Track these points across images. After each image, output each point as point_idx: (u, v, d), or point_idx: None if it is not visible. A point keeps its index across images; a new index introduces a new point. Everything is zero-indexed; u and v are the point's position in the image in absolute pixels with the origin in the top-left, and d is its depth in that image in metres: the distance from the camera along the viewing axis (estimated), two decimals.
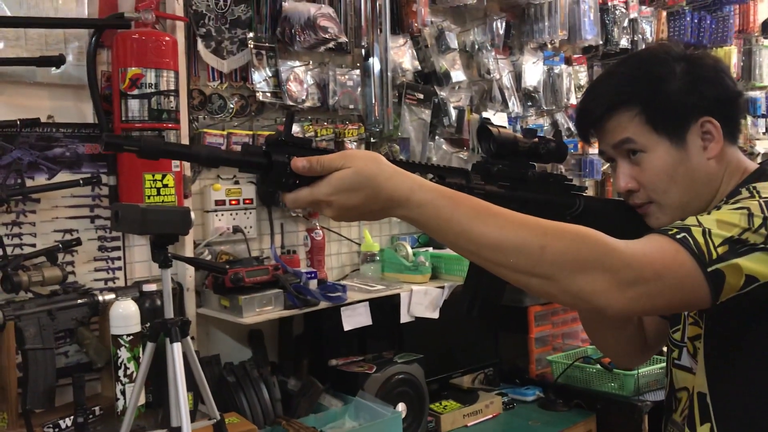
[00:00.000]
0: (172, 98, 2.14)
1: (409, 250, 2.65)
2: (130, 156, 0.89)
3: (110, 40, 2.13)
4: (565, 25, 3.35)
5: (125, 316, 1.93)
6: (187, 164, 2.22)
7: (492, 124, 1.16)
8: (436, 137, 3.00)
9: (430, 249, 2.79)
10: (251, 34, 2.46)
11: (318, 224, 2.62)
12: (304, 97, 2.56)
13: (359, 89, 2.70)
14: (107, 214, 2.16)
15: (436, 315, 2.53)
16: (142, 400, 1.94)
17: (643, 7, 3.85)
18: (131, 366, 1.92)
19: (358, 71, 2.71)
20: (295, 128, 2.51)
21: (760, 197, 1.02)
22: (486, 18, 3.21)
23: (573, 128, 3.42)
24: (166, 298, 1.73)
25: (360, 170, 0.91)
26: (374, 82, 2.73)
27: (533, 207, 1.12)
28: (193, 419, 1.86)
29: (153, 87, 2.09)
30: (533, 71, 3.36)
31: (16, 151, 2.01)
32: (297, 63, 2.57)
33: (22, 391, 1.85)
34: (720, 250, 0.96)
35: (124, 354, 1.92)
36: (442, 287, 2.57)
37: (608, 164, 1.36)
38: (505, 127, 1.19)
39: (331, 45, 2.55)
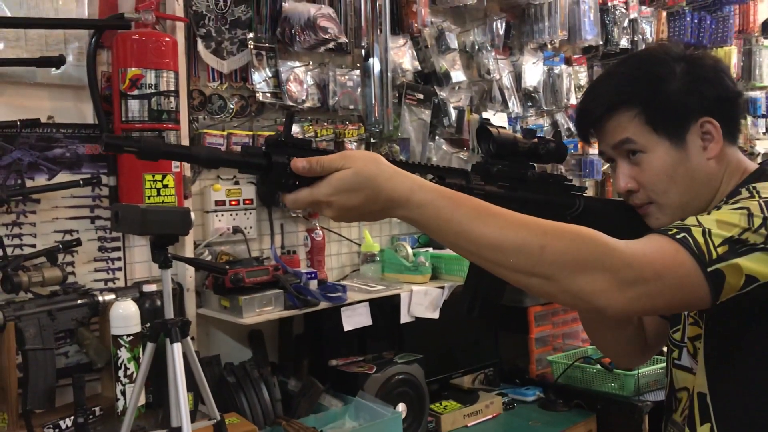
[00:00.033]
0: (172, 99, 2.14)
1: (409, 251, 2.65)
2: (130, 157, 0.89)
3: (110, 41, 2.13)
4: (565, 26, 3.35)
5: (125, 316, 1.93)
6: (187, 165, 2.22)
7: (492, 125, 1.16)
8: (436, 137, 3.00)
9: (430, 249, 2.79)
10: (251, 35, 2.46)
11: (318, 224, 2.62)
12: (304, 98, 2.56)
13: (359, 89, 2.70)
14: (107, 214, 2.16)
15: (436, 315, 2.53)
16: (142, 401, 1.94)
17: (643, 8, 3.85)
18: (131, 366, 1.92)
19: (358, 72, 2.71)
20: (295, 129, 2.51)
21: (760, 197, 1.02)
22: (486, 18, 3.21)
23: (573, 128, 3.42)
24: (166, 299, 1.73)
25: (360, 171, 0.91)
26: (374, 83, 2.73)
27: (533, 207, 1.12)
28: (193, 419, 1.86)
29: (153, 87, 2.10)
30: (533, 71, 3.36)
31: (17, 151, 2.01)
32: (297, 63, 2.57)
33: (22, 391, 1.85)
34: (720, 250, 0.96)
35: (124, 354, 1.92)
36: (442, 287, 2.57)
37: (608, 164, 1.36)
38: (504, 128, 1.19)
39: (331, 45, 2.55)
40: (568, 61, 3.55)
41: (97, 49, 2.10)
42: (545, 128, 3.42)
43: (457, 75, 3.02)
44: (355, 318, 2.34)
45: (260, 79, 2.47)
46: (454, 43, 2.99)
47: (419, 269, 2.61)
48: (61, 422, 1.89)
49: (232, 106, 2.46)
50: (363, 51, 2.75)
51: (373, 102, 2.73)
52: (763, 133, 4.75)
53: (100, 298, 2.01)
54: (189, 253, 2.27)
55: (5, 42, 2.00)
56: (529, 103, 3.37)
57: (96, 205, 2.17)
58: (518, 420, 2.67)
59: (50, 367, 1.88)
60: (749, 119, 4.62)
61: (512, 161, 1.16)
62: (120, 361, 1.92)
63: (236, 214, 2.45)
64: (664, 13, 4.01)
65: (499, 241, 0.92)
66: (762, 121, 4.73)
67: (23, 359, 1.86)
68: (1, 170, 1.99)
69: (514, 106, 3.26)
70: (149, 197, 2.10)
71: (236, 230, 2.44)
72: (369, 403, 2.23)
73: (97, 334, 2.05)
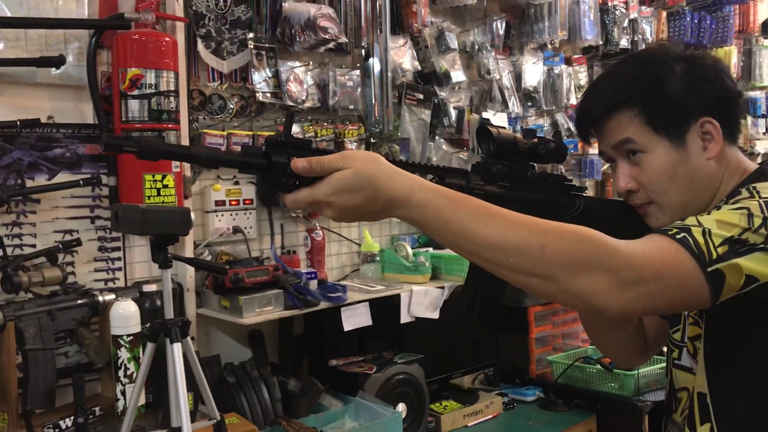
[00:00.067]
0: (172, 99, 2.14)
1: (409, 251, 2.65)
2: (130, 157, 0.89)
3: (110, 41, 2.13)
4: (565, 26, 3.35)
5: (125, 316, 1.93)
6: (187, 165, 2.22)
7: (492, 125, 1.16)
8: (436, 137, 3.00)
9: (430, 249, 2.79)
10: (251, 35, 2.46)
11: (318, 224, 2.62)
12: (304, 98, 2.56)
13: (359, 90, 2.70)
14: (107, 214, 2.16)
15: (436, 315, 2.53)
16: (142, 401, 1.94)
17: (643, 8, 3.85)
18: (131, 366, 1.92)
19: (358, 72, 2.71)
20: (295, 129, 2.51)
21: (759, 197, 1.02)
22: (486, 18, 3.21)
23: (573, 128, 3.42)
24: (166, 299, 1.73)
25: (360, 171, 0.91)
26: (374, 83, 2.73)
27: (533, 207, 1.12)
28: (193, 419, 1.86)
29: (153, 87, 2.10)
30: (533, 71, 3.36)
31: (17, 151, 2.01)
32: (297, 63, 2.57)
33: (22, 391, 1.85)
34: (720, 250, 0.96)
35: (124, 354, 1.92)
36: (442, 287, 2.57)
37: (608, 164, 1.36)
38: (504, 128, 1.19)
39: (331, 45, 2.55)
40: (568, 61, 3.55)
41: (97, 49, 2.10)
42: (545, 128, 3.42)
43: (457, 75, 3.02)
44: (355, 318, 2.34)
45: (260, 79, 2.47)
46: (454, 43, 2.99)
47: (419, 269, 2.61)
48: (61, 422, 1.89)
49: (232, 106, 2.46)
50: (363, 51, 2.75)
51: (373, 102, 2.73)
52: (763, 133, 4.75)
53: (100, 298, 2.01)
54: (189, 253, 2.27)
55: (5, 42, 2.00)
56: (529, 103, 3.37)
57: (96, 205, 2.17)
58: (518, 420, 2.67)
59: (50, 367, 1.89)
60: (749, 119, 4.62)
61: (512, 161, 1.16)
62: (120, 361, 1.92)
63: (236, 214, 2.45)
64: (664, 13, 4.01)
65: (499, 241, 0.92)
66: (762, 121, 4.73)
67: (23, 359, 1.86)
68: (1, 170, 1.99)
69: (514, 106, 3.26)
70: (149, 197, 2.10)
71: (236, 230, 2.44)
72: (369, 403, 2.23)
73: (97, 334, 2.05)
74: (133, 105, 2.09)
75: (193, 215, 1.80)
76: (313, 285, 2.34)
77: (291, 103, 2.52)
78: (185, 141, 2.26)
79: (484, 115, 3.15)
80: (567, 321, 3.06)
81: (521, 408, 2.77)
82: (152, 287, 2.05)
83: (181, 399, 1.65)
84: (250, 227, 2.48)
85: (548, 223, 0.94)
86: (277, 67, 2.50)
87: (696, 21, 4.09)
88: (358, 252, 2.81)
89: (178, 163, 2.14)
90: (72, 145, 2.11)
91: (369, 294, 2.43)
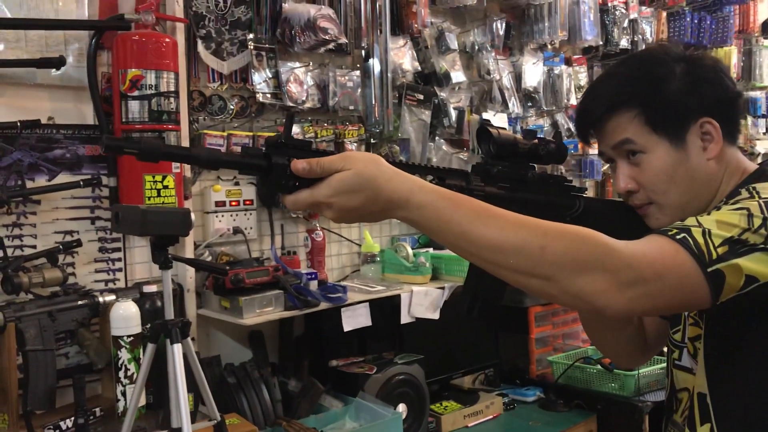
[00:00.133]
0: (172, 99, 2.14)
1: (410, 251, 2.65)
2: (131, 158, 0.89)
3: (110, 42, 2.13)
4: (565, 26, 3.35)
5: (126, 317, 1.93)
6: (187, 166, 2.22)
7: (492, 126, 1.16)
8: (436, 138, 3.00)
9: (431, 250, 2.79)
10: (251, 36, 2.47)
11: (318, 225, 2.62)
12: (304, 98, 2.56)
13: (359, 90, 2.70)
14: (107, 215, 2.16)
15: (436, 316, 2.53)
16: (142, 401, 1.93)
17: (643, 8, 3.85)
18: (132, 367, 1.92)
19: (358, 72, 2.71)
20: (295, 129, 2.51)
21: (759, 197, 1.02)
22: (486, 19, 3.21)
23: (573, 129, 3.42)
24: (166, 300, 1.74)
25: (360, 172, 0.91)
26: (374, 83, 2.73)
27: (533, 208, 1.12)
28: (193, 420, 1.86)
29: (153, 88, 2.10)
30: (533, 72, 3.36)
31: (17, 152, 2.01)
32: (297, 64, 2.57)
33: (22, 392, 1.85)
34: (720, 250, 0.96)
35: (124, 355, 1.92)
36: (443, 288, 2.57)
37: (608, 165, 1.36)
38: (504, 129, 1.19)
39: (331, 46, 2.55)
40: (568, 62, 3.55)
41: (97, 50, 2.11)
42: (545, 129, 3.42)
43: (457, 75, 3.02)
44: (355, 318, 2.34)
45: (260, 79, 2.47)
46: (454, 44, 2.99)
47: (419, 270, 2.61)
48: (61, 423, 1.89)
49: (232, 107, 2.46)
50: (363, 52, 2.75)
51: (373, 102, 2.73)
52: (763, 133, 4.75)
53: (101, 299, 2.01)
54: (189, 253, 2.27)
55: (5, 43, 2.01)
56: (529, 104, 3.37)
57: (96, 206, 2.18)
58: (518, 420, 2.66)
59: (51, 368, 1.89)
60: (749, 119, 4.62)
61: (512, 162, 1.16)
62: (120, 361, 1.92)
63: (236, 215, 2.45)
64: (664, 14, 4.01)
65: (499, 242, 0.92)
66: (762, 121, 4.73)
67: (24, 360, 1.86)
68: (2, 171, 1.99)
69: (514, 106, 3.26)
70: (149, 198, 2.10)
71: (236, 231, 2.44)
72: (369, 404, 2.23)
73: (97, 335, 2.05)
74: (134, 106, 2.09)
75: (193, 216, 1.80)
76: (314, 285, 2.34)
77: (291, 104, 2.52)
78: (185, 142, 2.26)
79: (484, 115, 3.15)
80: (567, 321, 3.06)
81: (521, 408, 2.77)
82: (152, 288, 2.05)
83: (182, 400, 1.65)
84: (251, 228, 2.48)
85: (548, 224, 0.94)
86: (277, 68, 2.51)
87: (696, 21, 4.09)
88: (358, 252, 2.81)
89: (178, 164, 2.14)
90: (72, 146, 2.12)
91: (369, 294, 2.43)
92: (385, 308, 2.46)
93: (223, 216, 2.42)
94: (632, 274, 0.92)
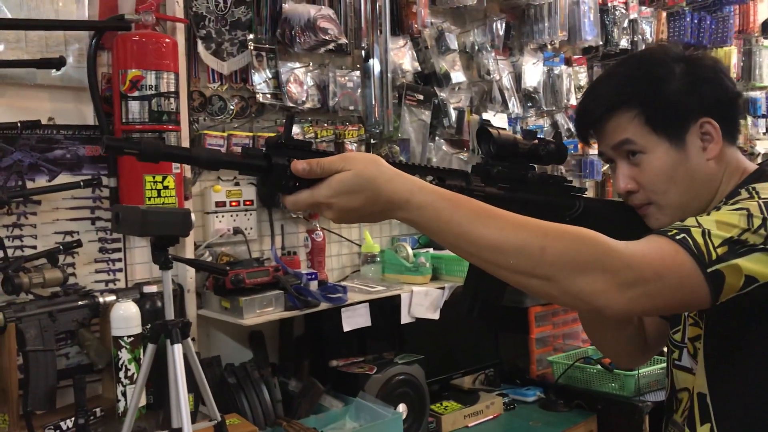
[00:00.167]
0: (172, 100, 2.14)
1: (410, 251, 2.65)
2: (131, 158, 0.89)
3: (110, 42, 2.13)
4: (565, 26, 3.35)
5: (126, 317, 1.93)
6: (187, 166, 2.23)
7: (492, 126, 1.16)
8: (436, 138, 3.01)
9: (431, 250, 2.79)
10: (251, 36, 2.47)
11: (318, 225, 2.62)
12: (304, 99, 2.56)
13: (359, 90, 2.71)
14: (108, 215, 2.16)
15: (436, 316, 2.53)
16: (143, 402, 1.93)
17: (643, 8, 3.85)
18: (132, 367, 1.92)
19: (358, 72, 2.71)
20: (296, 129, 2.51)
21: (759, 198, 1.02)
22: (486, 19, 3.21)
23: (573, 129, 3.42)
24: (166, 300, 1.74)
25: (360, 173, 0.91)
26: (374, 84, 2.73)
27: (533, 208, 1.12)
28: (193, 420, 1.87)
29: (153, 89, 2.10)
30: (533, 72, 3.36)
31: (17, 153, 2.01)
32: (297, 64, 2.57)
33: (23, 392, 1.85)
34: (719, 250, 0.96)
35: (124, 355, 1.92)
36: (443, 288, 2.57)
37: (608, 165, 1.37)
38: (504, 129, 1.19)
39: (331, 46, 2.55)
40: (568, 62, 3.55)
41: (97, 51, 2.11)
42: (545, 129, 3.42)
43: (457, 76, 3.02)
44: (354, 318, 2.35)
45: (260, 80, 2.47)
46: (454, 44, 2.99)
47: (420, 270, 2.61)
48: (62, 423, 1.89)
49: (232, 108, 2.46)
50: (363, 52, 2.75)
51: (373, 103, 2.73)
52: (763, 133, 4.75)
53: (101, 300, 2.02)
54: (189, 254, 2.27)
55: (6, 44, 2.01)
56: (529, 104, 3.37)
57: (96, 206, 2.18)
58: (519, 420, 2.67)
59: (51, 368, 1.89)
60: (749, 119, 4.62)
61: (512, 162, 1.16)
62: (121, 362, 1.92)
63: (236, 215, 2.45)
64: (664, 14, 4.02)
65: (499, 243, 0.92)
66: (762, 121, 4.73)
67: (24, 360, 1.86)
68: (2, 171, 1.99)
69: (514, 106, 3.26)
70: (150, 198, 2.10)
71: (237, 231, 2.44)
72: (369, 404, 2.23)
73: (97, 336, 2.05)
74: (134, 106, 2.09)
75: (193, 216, 1.80)
76: (314, 286, 2.34)
77: (291, 104, 2.52)
78: (185, 142, 2.26)
79: (484, 115, 3.15)
80: (567, 321, 3.06)
81: (522, 408, 2.77)
82: (153, 288, 2.06)
83: (182, 400, 1.65)
84: (251, 228, 2.49)
85: (548, 225, 0.94)
86: (277, 68, 2.51)
87: (696, 21, 4.09)
88: (358, 253, 2.81)
89: (178, 164, 2.14)
90: (72, 147, 2.12)
91: (369, 295, 2.43)
92: (386, 308, 2.47)
93: (223, 216, 2.42)
94: (632, 274, 0.92)
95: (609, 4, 3.60)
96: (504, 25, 3.23)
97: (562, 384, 2.82)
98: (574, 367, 2.81)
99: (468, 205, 0.94)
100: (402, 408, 2.35)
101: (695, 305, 1.04)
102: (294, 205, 0.95)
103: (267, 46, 2.49)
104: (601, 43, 3.54)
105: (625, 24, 3.66)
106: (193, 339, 2.06)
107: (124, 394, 1.92)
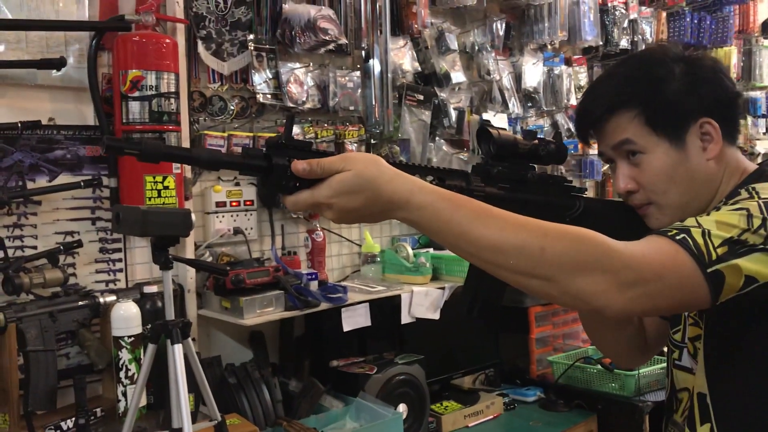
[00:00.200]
0: (172, 100, 2.14)
1: (410, 251, 2.65)
2: (131, 158, 0.89)
3: (111, 43, 2.13)
4: (565, 26, 3.35)
5: (126, 317, 1.93)
6: (187, 166, 2.23)
7: (492, 126, 1.16)
8: (437, 138, 3.01)
9: (431, 250, 2.79)
10: (251, 36, 2.47)
11: (318, 225, 2.62)
12: (304, 99, 2.56)
13: (359, 91, 2.71)
14: (108, 216, 2.16)
15: (436, 316, 2.53)
16: (143, 402, 1.94)
17: (643, 8, 3.85)
18: (132, 367, 1.92)
19: (358, 73, 2.71)
20: (296, 130, 2.51)
21: (759, 198, 1.02)
22: (486, 19, 3.21)
23: (573, 129, 3.42)
24: (167, 300, 1.74)
25: (360, 173, 0.91)
26: (374, 84, 2.73)
27: (533, 209, 1.12)
28: (194, 420, 1.87)
29: (154, 89, 2.10)
30: (533, 72, 3.36)
31: (17, 153, 2.01)
32: (297, 65, 2.57)
33: (23, 392, 1.85)
34: (719, 250, 0.96)
35: (125, 355, 1.92)
36: (443, 288, 2.57)
37: (608, 165, 1.37)
38: (505, 129, 1.19)
39: (331, 47, 2.55)
40: (568, 62, 3.55)
41: (97, 51, 2.11)
42: (545, 129, 3.42)
43: (457, 76, 3.02)
44: (354, 318, 2.35)
45: (260, 80, 2.48)
46: (454, 44, 3.00)
47: (420, 270, 2.61)
48: (62, 423, 1.89)
49: (232, 108, 2.46)
50: (363, 52, 2.75)
51: (374, 103, 2.74)
52: (763, 133, 4.75)
53: (101, 300, 2.02)
54: (190, 254, 2.27)
55: (6, 44, 2.01)
56: (529, 104, 3.37)
57: (97, 206, 2.18)
58: (519, 420, 2.67)
59: (51, 368, 1.89)
60: (749, 119, 4.62)
61: (512, 163, 1.16)
62: (121, 362, 1.92)
63: (237, 216, 2.45)
64: (664, 14, 4.02)
65: (499, 243, 0.92)
66: (762, 121, 4.73)
67: (24, 361, 1.86)
68: (3, 172, 1.99)
69: (514, 106, 3.26)
70: (150, 199, 2.10)
71: (237, 231, 2.44)
72: (370, 404, 2.23)
73: (98, 336, 2.05)
74: (134, 107, 2.09)
75: (193, 216, 1.80)
76: (314, 286, 2.34)
77: (291, 105, 2.52)
78: (186, 143, 2.26)
79: (484, 116, 3.15)
80: (567, 321, 3.06)
81: (522, 408, 2.77)
82: (153, 288, 2.06)
83: (182, 400, 1.65)
84: (251, 228, 2.49)
85: (548, 225, 0.94)
86: (278, 69, 2.51)
87: (696, 21, 4.09)
88: (358, 253, 2.82)
89: (178, 164, 2.14)
90: (73, 147, 2.12)
91: (369, 295, 2.43)
92: (386, 308, 2.47)
93: (223, 216, 2.42)
94: (632, 274, 0.92)
95: (609, 4, 3.60)
96: (504, 25, 3.24)
97: (562, 384, 2.82)
98: (575, 367, 2.81)
99: (468, 205, 0.94)
100: (402, 408, 2.35)
101: (695, 305, 1.04)
102: (294, 205, 0.95)
103: (267, 46, 2.50)
104: (601, 43, 3.54)
105: (625, 24, 3.66)
106: (193, 339, 2.06)
107: (124, 394, 1.92)
